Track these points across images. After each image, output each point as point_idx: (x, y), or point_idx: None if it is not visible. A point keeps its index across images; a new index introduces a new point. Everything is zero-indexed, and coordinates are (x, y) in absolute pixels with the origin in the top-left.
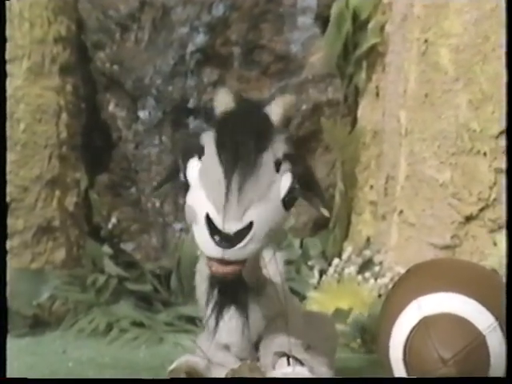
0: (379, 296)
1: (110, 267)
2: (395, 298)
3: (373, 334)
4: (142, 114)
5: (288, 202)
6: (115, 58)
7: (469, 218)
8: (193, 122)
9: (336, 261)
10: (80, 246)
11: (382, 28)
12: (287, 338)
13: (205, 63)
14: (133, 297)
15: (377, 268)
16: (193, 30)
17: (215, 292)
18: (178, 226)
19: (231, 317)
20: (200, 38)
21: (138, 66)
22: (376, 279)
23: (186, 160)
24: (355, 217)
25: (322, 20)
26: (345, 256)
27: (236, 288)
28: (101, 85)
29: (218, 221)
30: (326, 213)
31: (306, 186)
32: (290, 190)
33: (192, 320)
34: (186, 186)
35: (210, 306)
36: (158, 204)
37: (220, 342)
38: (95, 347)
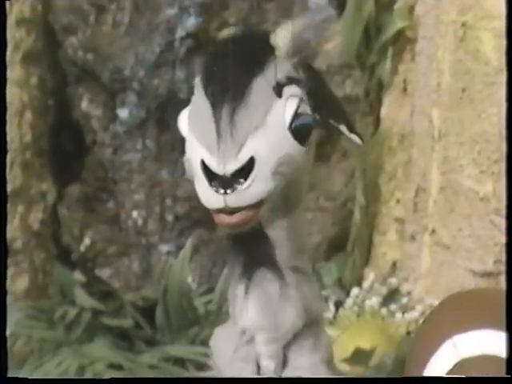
0: (408, 333)
1: (83, 298)
2: (426, 336)
3: None
4: (122, 113)
5: (300, 132)
6: (89, 45)
7: None
8: None
9: (355, 290)
10: (46, 272)
11: (412, 8)
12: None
13: (197, 51)
14: (110, 334)
15: (404, 299)
16: (182, 10)
17: (238, 254)
18: (164, 247)
19: (263, 278)
20: (191, 21)
21: (117, 55)
22: (404, 313)
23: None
24: (378, 237)
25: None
26: (366, 284)
27: (259, 243)
28: (72, 77)
29: (212, 164)
30: (358, 140)
31: (324, 111)
32: (299, 116)
33: (181, 362)
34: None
35: (237, 272)
36: (140, 221)
37: (246, 325)
38: None
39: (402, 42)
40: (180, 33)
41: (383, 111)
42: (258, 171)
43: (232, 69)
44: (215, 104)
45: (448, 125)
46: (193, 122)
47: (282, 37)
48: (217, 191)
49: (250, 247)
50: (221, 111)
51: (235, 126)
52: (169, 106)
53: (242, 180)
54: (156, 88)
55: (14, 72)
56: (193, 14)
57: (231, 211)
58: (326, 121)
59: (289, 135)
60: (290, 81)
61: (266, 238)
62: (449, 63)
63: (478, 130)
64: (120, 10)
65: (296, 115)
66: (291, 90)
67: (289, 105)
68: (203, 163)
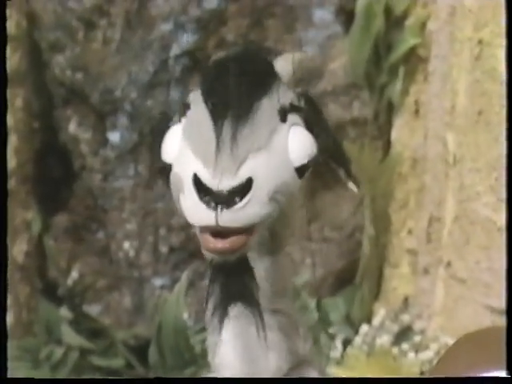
0: (421, 375)
1: (70, 336)
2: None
3: None
4: (113, 137)
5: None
6: (78, 64)
7: None
8: None
9: (365, 328)
10: (31, 308)
11: (424, 25)
12: None
13: (193, 70)
14: (99, 374)
15: (417, 338)
16: (178, 27)
17: (216, 285)
18: (157, 281)
19: (239, 315)
20: (187, 38)
21: (108, 74)
22: (417, 352)
23: (166, 127)
24: (389, 270)
25: (346, 15)
26: (376, 321)
27: (241, 275)
28: (59, 98)
29: (206, 177)
30: (353, 188)
31: (325, 149)
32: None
33: None
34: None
35: (211, 304)
36: (132, 253)
37: (227, 374)
38: None
39: (414, 60)
40: (175, 50)
41: (394, 135)
42: (254, 193)
43: (235, 85)
44: (216, 117)
45: (463, 149)
46: (189, 133)
47: (282, 67)
48: (209, 206)
49: (230, 278)
50: (222, 125)
51: (236, 142)
52: (163, 129)
53: (237, 199)
54: (149, 110)
55: None
56: (189, 30)
57: (221, 232)
58: (326, 161)
59: (290, 163)
60: (294, 109)
61: (249, 271)
62: (464, 84)
63: (496, 155)
64: (111, 25)
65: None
66: (294, 118)
67: (292, 132)
68: (195, 177)
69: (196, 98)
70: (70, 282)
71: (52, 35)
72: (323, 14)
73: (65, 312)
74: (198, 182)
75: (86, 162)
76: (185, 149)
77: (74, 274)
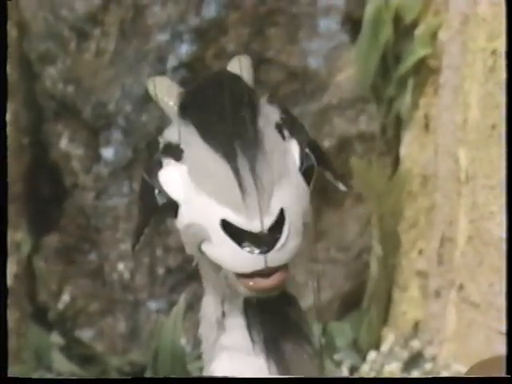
0: None
1: (61, 363)
2: None
3: None
4: (106, 153)
5: (306, 175)
6: (70, 76)
7: None
8: None
9: (372, 354)
10: (20, 333)
11: (434, 34)
12: None
13: (191, 83)
14: None
15: (428, 365)
16: (175, 37)
17: (257, 322)
18: (153, 305)
19: (292, 350)
20: (185, 49)
21: (101, 87)
22: None
23: (154, 173)
24: (398, 293)
25: (352, 24)
26: (385, 347)
27: (287, 307)
28: (50, 112)
29: (240, 222)
30: (342, 187)
31: (315, 157)
32: (303, 158)
33: None
34: (167, 207)
35: (258, 344)
36: (126, 275)
37: None
38: None
39: (424, 72)
40: (172, 62)
41: (403, 150)
42: (290, 222)
43: (228, 114)
44: (227, 156)
45: (476, 166)
46: (200, 179)
47: (239, 66)
48: (253, 251)
49: (274, 313)
50: (236, 162)
51: (258, 177)
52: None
53: (278, 235)
54: (144, 125)
55: None
56: (186, 40)
57: (269, 272)
58: (312, 167)
59: (302, 180)
60: (284, 122)
61: (294, 303)
62: (477, 96)
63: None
64: (104, 36)
65: (302, 157)
66: (286, 131)
67: (293, 146)
68: (225, 223)
69: (188, 137)
70: (61, 305)
71: (43, 45)
72: (329, 23)
73: (56, 337)
74: (229, 228)
75: (78, 180)
76: (198, 195)
77: (66, 298)
